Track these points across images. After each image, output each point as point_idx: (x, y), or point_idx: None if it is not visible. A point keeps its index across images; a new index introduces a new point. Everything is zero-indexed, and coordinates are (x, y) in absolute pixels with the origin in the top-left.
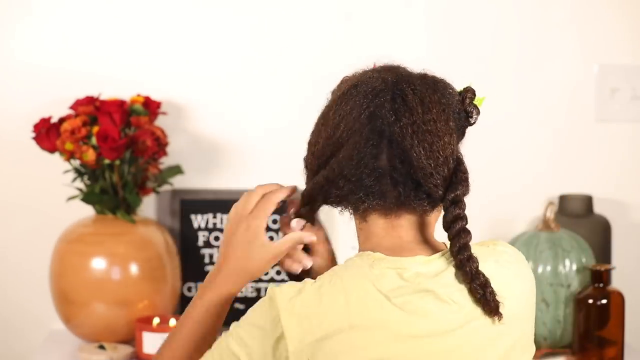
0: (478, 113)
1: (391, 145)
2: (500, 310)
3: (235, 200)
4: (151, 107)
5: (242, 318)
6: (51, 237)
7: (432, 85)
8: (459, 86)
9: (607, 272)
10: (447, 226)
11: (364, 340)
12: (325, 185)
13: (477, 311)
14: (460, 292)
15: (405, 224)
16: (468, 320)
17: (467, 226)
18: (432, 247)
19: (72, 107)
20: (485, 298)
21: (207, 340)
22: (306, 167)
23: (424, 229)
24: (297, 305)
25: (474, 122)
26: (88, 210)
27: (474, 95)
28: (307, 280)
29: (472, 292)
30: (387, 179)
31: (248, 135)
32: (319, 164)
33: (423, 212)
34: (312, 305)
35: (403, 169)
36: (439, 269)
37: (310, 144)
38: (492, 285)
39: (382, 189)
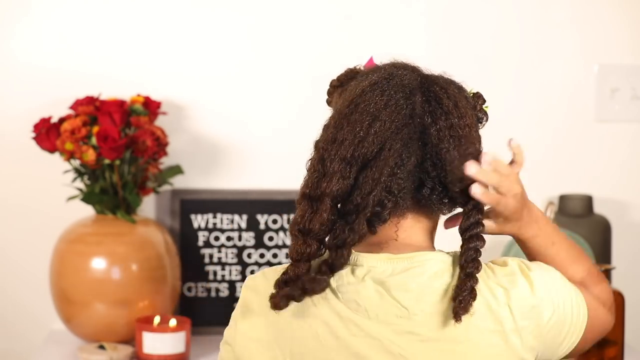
0: (487, 119)
1: (425, 147)
2: (462, 318)
3: (235, 200)
4: (151, 107)
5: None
6: (51, 237)
7: (459, 90)
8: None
9: (607, 272)
10: (464, 229)
11: (314, 330)
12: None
13: (431, 323)
14: (417, 299)
15: (406, 224)
16: (414, 329)
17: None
18: (415, 248)
19: (72, 107)
20: (463, 297)
21: None
22: (320, 149)
23: (423, 231)
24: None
25: (481, 128)
26: (88, 210)
27: (484, 101)
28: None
29: (458, 288)
30: (416, 181)
31: (248, 135)
32: (350, 155)
33: (435, 215)
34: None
35: (434, 172)
36: (400, 269)
37: (329, 128)
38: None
39: (409, 189)
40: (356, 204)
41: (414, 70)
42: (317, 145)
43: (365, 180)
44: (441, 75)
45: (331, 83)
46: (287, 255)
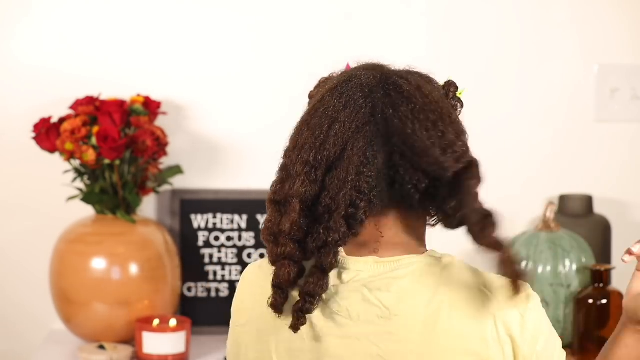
0: (462, 106)
1: (391, 141)
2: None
3: (235, 200)
4: (151, 107)
5: None
6: (51, 237)
7: (422, 77)
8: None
9: (607, 272)
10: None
11: (304, 332)
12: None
13: (411, 325)
14: (398, 300)
15: (389, 222)
16: (393, 329)
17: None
18: (403, 248)
19: (72, 107)
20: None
21: None
22: (283, 157)
23: (409, 229)
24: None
25: (459, 115)
26: (88, 210)
27: (457, 88)
28: None
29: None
30: (388, 178)
31: (248, 135)
32: (312, 159)
33: (419, 212)
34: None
35: (404, 164)
36: (385, 272)
37: (291, 136)
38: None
39: (382, 188)
40: (326, 205)
41: (375, 68)
42: (283, 154)
43: (332, 182)
44: (404, 69)
45: (309, 95)
46: None
